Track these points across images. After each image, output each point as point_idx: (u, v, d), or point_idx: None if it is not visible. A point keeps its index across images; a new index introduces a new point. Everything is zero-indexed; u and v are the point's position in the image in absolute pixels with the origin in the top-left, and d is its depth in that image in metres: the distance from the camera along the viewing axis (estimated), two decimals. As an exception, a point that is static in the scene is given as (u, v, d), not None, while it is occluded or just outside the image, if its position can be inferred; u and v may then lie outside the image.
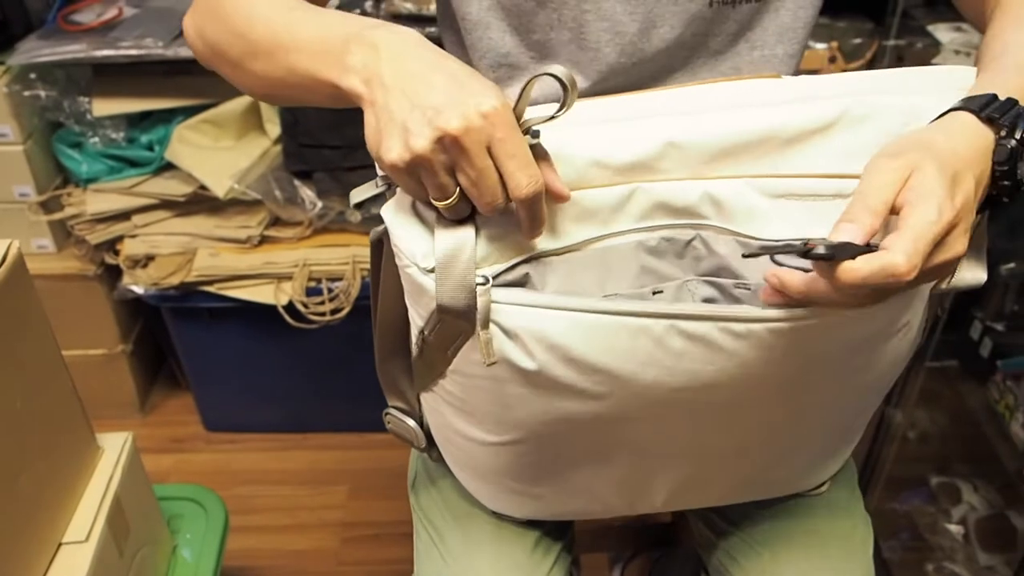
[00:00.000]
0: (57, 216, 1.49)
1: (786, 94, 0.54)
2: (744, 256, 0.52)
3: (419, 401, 0.65)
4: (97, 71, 1.45)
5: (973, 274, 0.54)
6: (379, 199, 0.55)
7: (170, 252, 1.46)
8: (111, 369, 1.66)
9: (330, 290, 1.45)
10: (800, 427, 0.60)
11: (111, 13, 1.46)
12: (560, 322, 0.50)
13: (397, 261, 0.53)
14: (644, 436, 0.57)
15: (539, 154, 0.49)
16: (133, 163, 1.47)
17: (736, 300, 0.54)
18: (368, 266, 0.62)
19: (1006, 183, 0.48)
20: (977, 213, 0.51)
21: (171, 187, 1.45)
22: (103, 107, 1.43)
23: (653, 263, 0.55)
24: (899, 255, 0.43)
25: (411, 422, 0.68)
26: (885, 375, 0.57)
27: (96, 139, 1.45)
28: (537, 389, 0.53)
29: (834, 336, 0.51)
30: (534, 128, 0.49)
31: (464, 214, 0.50)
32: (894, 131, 0.52)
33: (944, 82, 0.54)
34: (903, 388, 1.34)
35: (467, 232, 0.50)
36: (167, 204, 1.47)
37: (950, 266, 0.46)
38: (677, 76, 0.67)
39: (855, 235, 0.44)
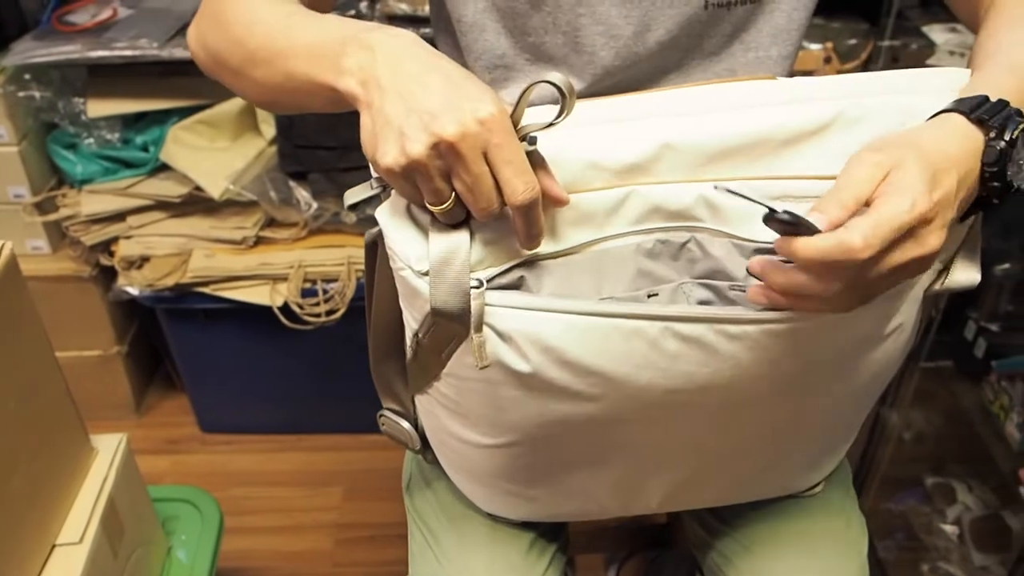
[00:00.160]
0: (52, 217, 1.49)
1: (782, 96, 0.54)
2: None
3: (414, 403, 0.65)
4: (92, 72, 1.44)
5: (967, 275, 0.54)
6: (375, 200, 0.55)
7: (165, 253, 1.46)
8: (106, 370, 1.66)
9: (325, 291, 1.45)
10: (795, 429, 0.60)
11: (106, 14, 1.46)
12: (555, 325, 0.50)
13: (391, 264, 0.53)
14: (639, 438, 0.57)
15: (536, 161, 0.49)
16: (128, 164, 1.47)
17: (731, 302, 0.54)
18: (363, 267, 0.62)
19: (996, 184, 0.48)
20: (968, 214, 0.51)
21: (166, 188, 1.45)
22: (98, 108, 1.42)
23: (648, 266, 0.55)
24: (856, 233, 0.43)
25: (406, 424, 0.67)
26: (879, 377, 0.57)
27: (91, 140, 1.45)
28: (531, 391, 0.53)
29: (828, 338, 0.51)
30: (531, 135, 0.48)
31: (459, 219, 0.50)
32: (890, 132, 0.52)
33: (939, 83, 0.54)
34: (898, 388, 1.34)
35: (461, 235, 0.50)
36: (162, 205, 1.46)
37: (924, 261, 0.46)
38: (671, 77, 0.67)
39: (820, 224, 0.44)
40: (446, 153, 0.46)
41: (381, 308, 0.61)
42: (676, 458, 0.60)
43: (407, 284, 0.52)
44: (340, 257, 1.46)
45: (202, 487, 1.14)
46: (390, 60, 0.49)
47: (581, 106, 0.51)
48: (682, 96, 0.55)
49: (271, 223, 1.49)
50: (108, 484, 0.89)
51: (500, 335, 0.51)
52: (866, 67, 1.41)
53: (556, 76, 0.47)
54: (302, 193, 1.45)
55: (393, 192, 0.53)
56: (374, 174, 0.53)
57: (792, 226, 0.45)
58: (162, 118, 1.46)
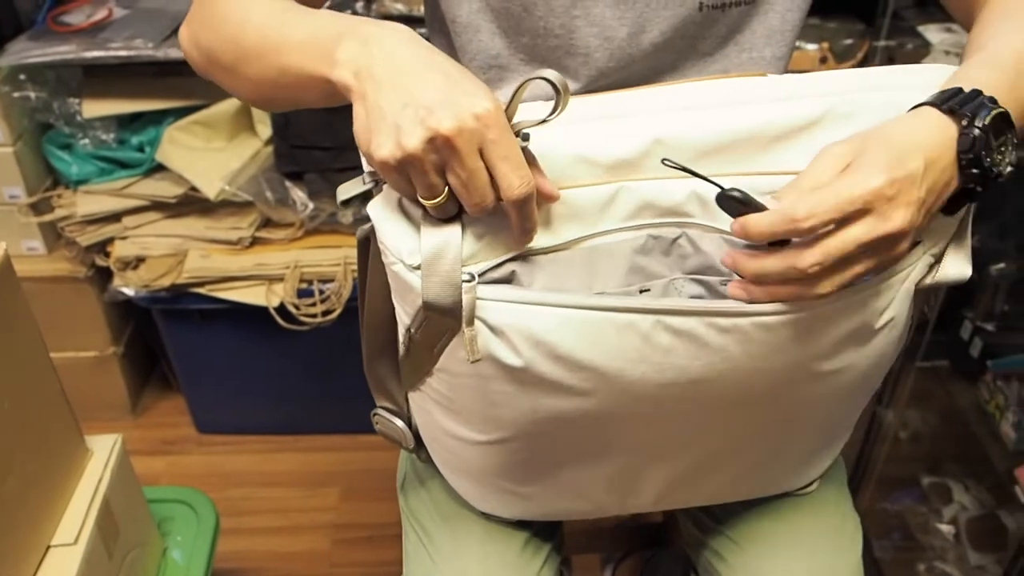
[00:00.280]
0: (47, 218, 1.48)
1: (772, 92, 0.55)
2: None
3: (407, 401, 0.65)
4: (87, 72, 1.44)
5: (958, 269, 0.54)
6: (369, 198, 0.55)
7: (161, 254, 1.46)
8: (102, 371, 1.66)
9: (321, 291, 1.45)
10: (788, 425, 0.60)
11: (101, 14, 1.46)
12: (546, 318, 0.50)
13: (383, 259, 0.53)
14: (632, 434, 0.57)
15: (527, 157, 0.49)
16: (123, 164, 1.46)
17: (722, 297, 0.54)
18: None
19: (974, 171, 0.49)
20: (957, 206, 0.52)
21: (162, 188, 1.44)
22: (93, 108, 1.42)
23: (640, 262, 0.55)
24: (800, 204, 0.46)
25: (399, 423, 0.67)
26: (871, 372, 0.57)
27: (86, 140, 1.45)
28: (523, 386, 0.53)
29: (819, 332, 0.51)
30: (524, 131, 0.49)
31: (451, 213, 0.50)
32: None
33: (927, 78, 0.54)
34: (894, 388, 1.34)
35: (453, 230, 0.51)
36: (158, 206, 1.46)
37: (893, 240, 0.47)
38: (666, 78, 0.67)
39: (773, 207, 0.46)
40: (442, 148, 0.46)
41: (374, 305, 0.61)
42: (670, 455, 0.60)
43: (399, 279, 0.52)
44: (336, 257, 1.46)
45: (198, 488, 1.14)
46: (385, 53, 0.49)
47: (574, 102, 0.51)
48: (673, 93, 0.55)
49: (267, 223, 1.49)
50: (103, 485, 0.89)
51: (492, 329, 0.51)
52: (862, 67, 1.41)
53: (551, 73, 0.47)
54: (298, 193, 1.45)
55: (385, 187, 0.53)
56: (366, 168, 0.53)
57: (744, 205, 0.48)
58: (158, 118, 1.46)
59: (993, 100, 0.49)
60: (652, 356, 0.51)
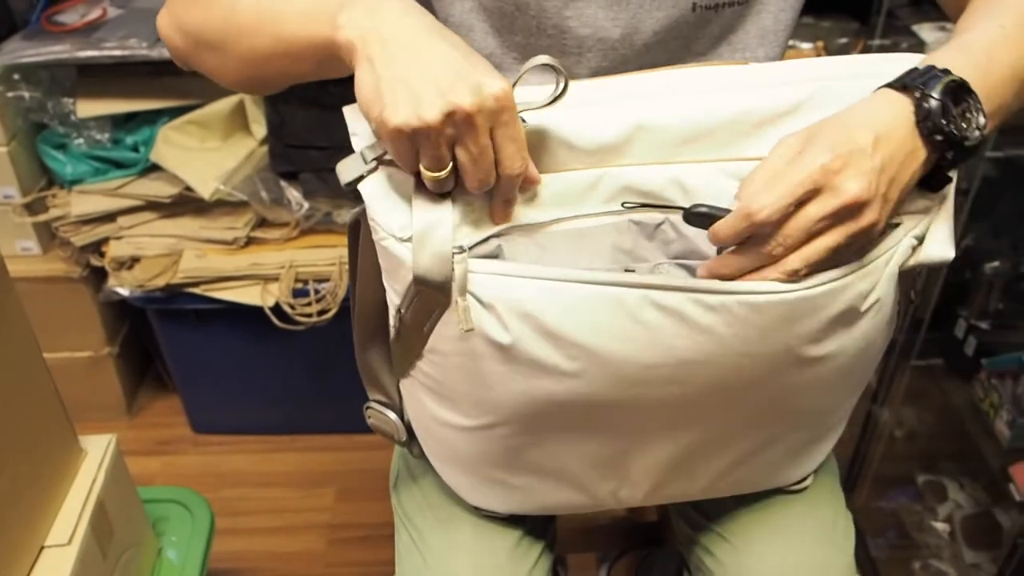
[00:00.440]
0: (42, 218, 1.48)
1: (754, 79, 0.55)
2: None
3: (399, 392, 0.65)
4: (81, 72, 1.44)
5: (940, 250, 0.54)
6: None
7: (156, 254, 1.46)
8: (97, 371, 1.66)
9: (317, 291, 1.45)
10: (779, 414, 0.60)
11: (95, 14, 1.46)
12: (533, 292, 0.51)
13: (374, 235, 0.53)
14: (622, 419, 0.57)
15: None
16: (118, 164, 1.46)
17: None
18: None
19: (938, 137, 0.50)
20: (937, 181, 0.52)
21: (156, 188, 1.44)
22: (88, 108, 1.42)
23: (625, 245, 0.56)
24: (754, 200, 0.48)
25: (392, 415, 0.68)
26: (861, 360, 0.57)
27: (81, 140, 1.45)
28: (513, 366, 0.53)
29: (805, 313, 0.51)
30: (521, 114, 0.50)
31: (448, 188, 0.51)
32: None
33: (906, 65, 0.54)
34: (889, 386, 1.34)
35: (444, 204, 0.51)
36: (152, 205, 1.46)
37: (854, 210, 0.48)
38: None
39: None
40: (460, 123, 0.47)
41: (365, 292, 0.61)
42: (660, 442, 0.60)
43: (390, 255, 0.52)
44: (331, 257, 1.46)
45: (194, 488, 1.14)
46: (392, 18, 0.49)
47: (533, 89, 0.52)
48: (655, 79, 0.55)
49: (262, 223, 1.49)
50: (97, 485, 0.89)
51: (482, 303, 0.51)
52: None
53: (551, 59, 0.49)
54: (293, 193, 1.45)
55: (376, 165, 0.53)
56: (361, 145, 0.53)
57: (711, 218, 0.50)
58: (152, 118, 1.46)
59: (946, 71, 0.50)
60: (639, 334, 0.51)
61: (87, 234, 1.47)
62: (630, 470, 0.63)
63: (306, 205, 1.44)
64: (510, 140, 0.49)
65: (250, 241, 1.47)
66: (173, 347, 1.60)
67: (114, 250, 1.46)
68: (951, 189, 0.54)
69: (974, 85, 0.51)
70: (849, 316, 0.53)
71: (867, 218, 0.48)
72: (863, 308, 0.53)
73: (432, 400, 0.60)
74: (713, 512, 0.73)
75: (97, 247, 1.49)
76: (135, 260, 1.46)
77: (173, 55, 0.63)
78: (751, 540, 0.70)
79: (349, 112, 0.55)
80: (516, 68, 0.66)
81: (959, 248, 1.22)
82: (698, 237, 0.54)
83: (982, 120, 0.51)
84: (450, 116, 0.46)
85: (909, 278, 0.56)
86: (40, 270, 1.52)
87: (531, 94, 0.51)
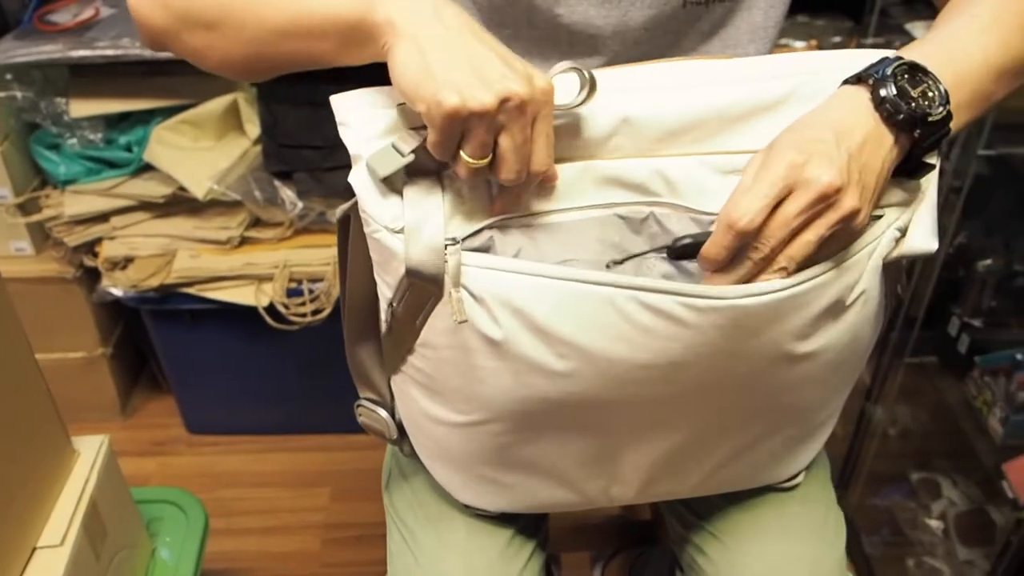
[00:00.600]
0: (35, 218, 1.48)
1: (739, 73, 0.55)
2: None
3: (390, 390, 0.65)
4: (74, 72, 1.43)
5: (923, 241, 0.54)
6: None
7: (149, 254, 1.45)
8: (91, 372, 1.65)
9: (311, 291, 1.45)
10: (770, 411, 0.60)
11: (87, 13, 1.45)
12: (524, 287, 0.51)
13: (365, 228, 0.53)
14: (613, 417, 0.57)
15: None
16: (111, 164, 1.46)
17: (691, 275, 0.55)
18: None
19: (900, 117, 0.50)
20: (915, 167, 0.53)
21: (150, 188, 1.44)
22: (80, 108, 1.41)
23: (612, 238, 0.56)
24: (732, 209, 0.48)
25: (383, 413, 0.68)
26: (849, 354, 0.57)
27: (74, 140, 1.44)
28: (504, 362, 0.53)
29: (794, 310, 0.51)
30: None
31: (482, 177, 0.51)
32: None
33: None
34: (883, 384, 1.35)
35: (436, 195, 0.51)
36: (146, 206, 1.46)
37: (828, 198, 0.48)
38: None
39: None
40: (511, 110, 0.47)
41: (355, 288, 0.61)
42: (651, 439, 0.60)
43: (382, 247, 0.52)
44: (326, 256, 1.46)
45: (189, 488, 1.14)
46: (434, 7, 0.49)
47: None
48: (640, 72, 0.56)
49: (256, 223, 1.48)
50: (90, 486, 0.88)
51: (473, 296, 0.52)
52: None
53: (577, 64, 0.51)
54: (287, 193, 1.45)
55: (364, 159, 0.52)
56: (352, 136, 0.52)
57: (694, 246, 0.51)
58: (145, 118, 1.45)
59: (898, 57, 0.51)
60: (631, 334, 0.51)
61: (80, 234, 1.46)
62: (621, 468, 0.63)
63: (300, 205, 1.44)
64: (545, 136, 0.50)
65: (244, 241, 1.47)
66: (167, 347, 1.59)
67: (108, 250, 1.46)
68: (933, 180, 0.55)
69: (934, 66, 0.51)
70: (835, 309, 0.53)
71: (846, 204, 0.48)
72: (849, 301, 0.53)
73: (423, 396, 0.60)
74: (705, 511, 0.73)
75: (90, 247, 1.49)
76: (129, 260, 1.46)
77: (147, 33, 0.60)
78: (742, 539, 0.70)
79: (338, 101, 0.54)
80: None
81: (952, 246, 1.23)
82: (683, 231, 0.55)
83: (944, 94, 0.51)
84: (504, 102, 0.47)
85: (894, 271, 0.56)
86: (33, 271, 1.52)
87: (563, 99, 0.52)
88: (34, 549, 0.82)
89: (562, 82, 0.52)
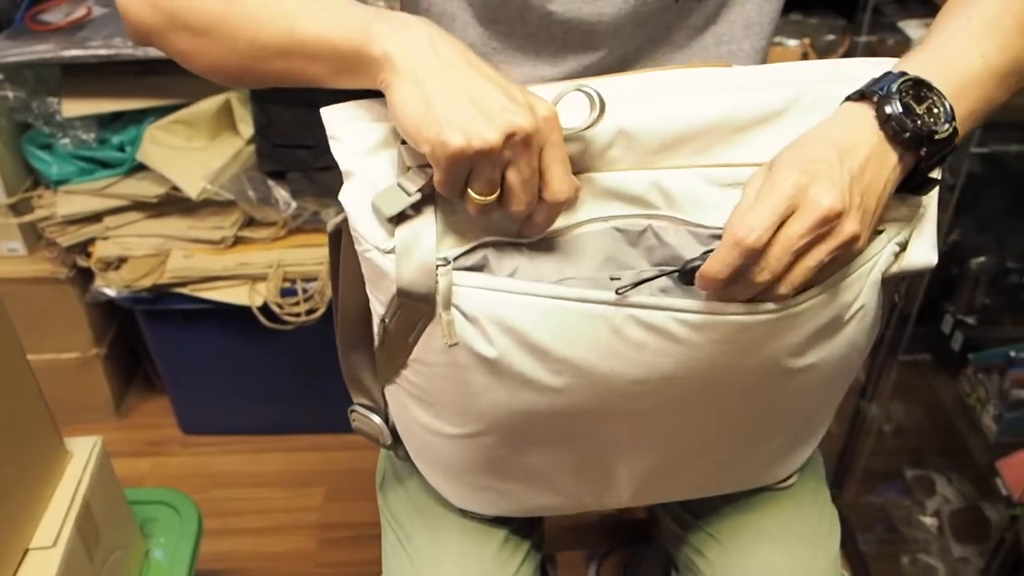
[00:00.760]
0: (27, 218, 1.47)
1: (738, 82, 0.55)
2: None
3: (384, 396, 0.65)
4: (66, 71, 1.43)
5: (923, 256, 0.54)
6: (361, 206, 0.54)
7: (143, 254, 1.45)
8: (85, 373, 1.65)
9: (305, 291, 1.44)
10: (763, 421, 0.60)
11: (79, 12, 1.45)
12: (518, 307, 0.50)
13: (357, 247, 0.53)
14: (607, 430, 0.57)
15: None
16: (104, 164, 1.45)
17: (688, 289, 0.54)
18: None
19: (906, 135, 0.49)
20: (920, 184, 0.52)
21: (143, 188, 1.43)
22: (73, 108, 1.41)
23: (609, 252, 0.55)
24: (737, 226, 0.46)
25: (376, 419, 0.67)
26: (845, 364, 0.57)
27: (66, 140, 1.44)
28: (498, 378, 0.53)
29: (791, 327, 0.51)
30: None
31: (492, 212, 0.50)
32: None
33: (888, 70, 0.54)
34: (877, 382, 1.35)
35: (428, 215, 0.51)
36: (139, 205, 1.45)
37: (831, 221, 0.47)
38: (641, 69, 0.67)
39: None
40: (517, 144, 0.46)
41: (347, 299, 0.60)
42: (644, 450, 0.60)
43: (373, 266, 0.52)
44: (319, 256, 1.45)
45: (183, 489, 1.13)
46: (432, 39, 0.49)
47: (538, 90, 0.52)
48: (637, 81, 0.55)
49: (250, 223, 1.48)
50: (83, 487, 0.88)
51: (466, 316, 0.51)
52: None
53: (590, 87, 0.50)
54: (281, 192, 1.44)
55: (355, 175, 0.52)
56: (343, 150, 0.52)
57: (697, 269, 0.49)
58: (138, 117, 1.45)
59: (903, 72, 0.50)
60: (624, 350, 0.51)
61: (73, 234, 1.46)
62: (614, 476, 0.63)
63: (294, 204, 1.44)
64: (558, 161, 0.49)
65: (237, 241, 1.47)
66: (161, 348, 1.59)
67: (101, 250, 1.45)
68: (933, 193, 0.54)
69: (938, 80, 0.50)
70: (833, 326, 0.52)
71: (846, 230, 0.47)
72: (846, 317, 0.53)
73: (417, 407, 0.60)
74: (702, 511, 0.73)
75: (84, 247, 1.48)
76: (122, 260, 1.45)
77: (133, 30, 0.58)
78: (740, 539, 0.71)
79: (328, 114, 0.53)
80: (496, 59, 0.65)
81: (946, 243, 1.23)
82: (681, 245, 0.54)
83: (949, 111, 0.50)
84: (510, 137, 0.46)
85: (893, 283, 0.56)
86: (26, 271, 1.51)
87: (572, 122, 0.51)
88: (26, 551, 0.82)
89: (565, 103, 0.51)
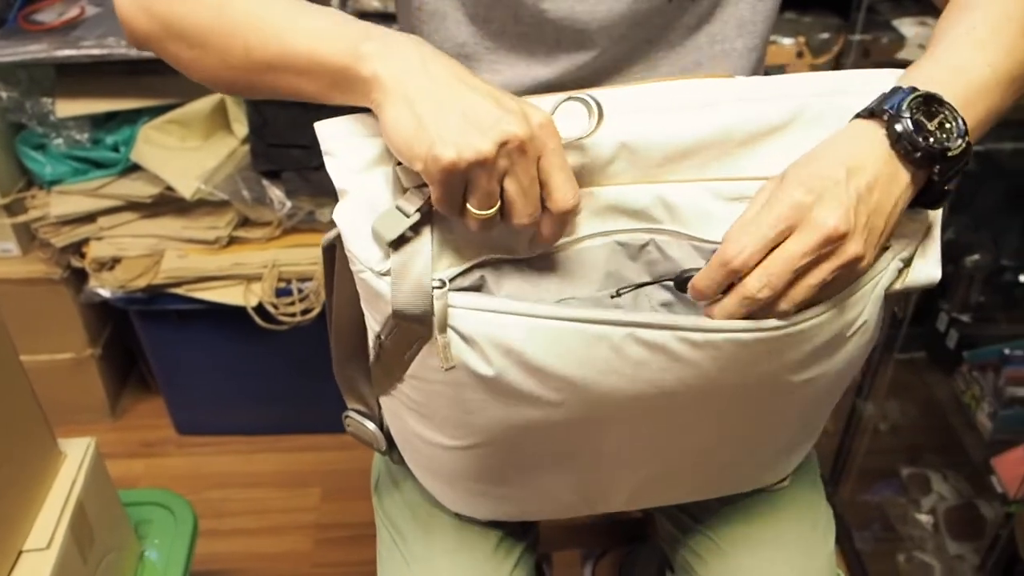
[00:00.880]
0: (21, 219, 1.47)
1: (741, 94, 0.54)
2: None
3: (379, 404, 0.65)
4: (60, 71, 1.43)
5: (927, 273, 0.54)
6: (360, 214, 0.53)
7: (137, 254, 1.45)
8: (80, 373, 1.64)
9: (300, 290, 1.44)
10: (760, 430, 0.59)
11: (73, 12, 1.44)
12: (516, 328, 0.49)
13: (351, 267, 0.52)
14: (604, 440, 0.57)
15: None
16: (98, 164, 1.45)
17: (691, 304, 0.54)
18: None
19: (917, 155, 0.48)
20: (931, 200, 0.51)
21: (137, 188, 1.43)
22: (67, 108, 1.41)
23: (611, 267, 0.55)
24: (729, 245, 0.46)
25: (371, 425, 0.67)
26: (843, 376, 0.56)
27: (60, 140, 1.43)
28: (496, 395, 0.52)
29: (793, 345, 0.50)
30: None
31: (494, 227, 0.49)
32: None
33: (892, 82, 0.54)
34: (873, 380, 1.35)
35: (424, 236, 0.50)
36: (133, 206, 1.45)
37: (834, 242, 0.46)
38: (636, 69, 0.66)
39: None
40: (513, 152, 0.45)
41: (341, 312, 0.60)
42: (640, 459, 0.60)
43: (368, 287, 0.51)
44: (314, 256, 1.45)
45: (179, 490, 1.13)
46: (421, 55, 0.48)
47: (538, 101, 0.51)
48: (639, 93, 0.54)
49: (244, 223, 1.48)
50: (76, 488, 0.88)
51: (463, 337, 0.50)
52: (838, 61, 1.42)
53: (588, 95, 0.49)
54: (275, 192, 1.44)
55: (350, 194, 0.51)
56: (338, 165, 0.51)
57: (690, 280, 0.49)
58: (132, 118, 1.45)
59: (913, 88, 0.49)
60: (624, 368, 0.50)
61: (67, 235, 1.45)
62: (612, 483, 0.63)
63: (288, 204, 1.44)
64: (560, 169, 0.47)
65: (232, 241, 1.46)
66: (156, 348, 1.58)
67: (95, 251, 1.45)
68: (939, 212, 0.53)
69: (949, 94, 0.50)
70: (835, 343, 0.52)
71: (850, 251, 0.46)
72: (849, 334, 0.52)
73: (413, 419, 0.59)
74: (698, 513, 0.73)
75: (78, 248, 1.48)
76: (116, 261, 1.45)
77: (132, 36, 0.58)
78: (735, 540, 0.71)
79: (322, 129, 0.53)
80: (488, 58, 0.65)
81: (940, 242, 1.23)
82: (684, 259, 0.54)
83: (962, 126, 0.49)
84: (503, 146, 0.45)
85: (895, 297, 0.55)
86: (20, 272, 1.51)
87: (570, 131, 0.50)
88: (20, 552, 0.81)
89: (563, 112, 0.50)
